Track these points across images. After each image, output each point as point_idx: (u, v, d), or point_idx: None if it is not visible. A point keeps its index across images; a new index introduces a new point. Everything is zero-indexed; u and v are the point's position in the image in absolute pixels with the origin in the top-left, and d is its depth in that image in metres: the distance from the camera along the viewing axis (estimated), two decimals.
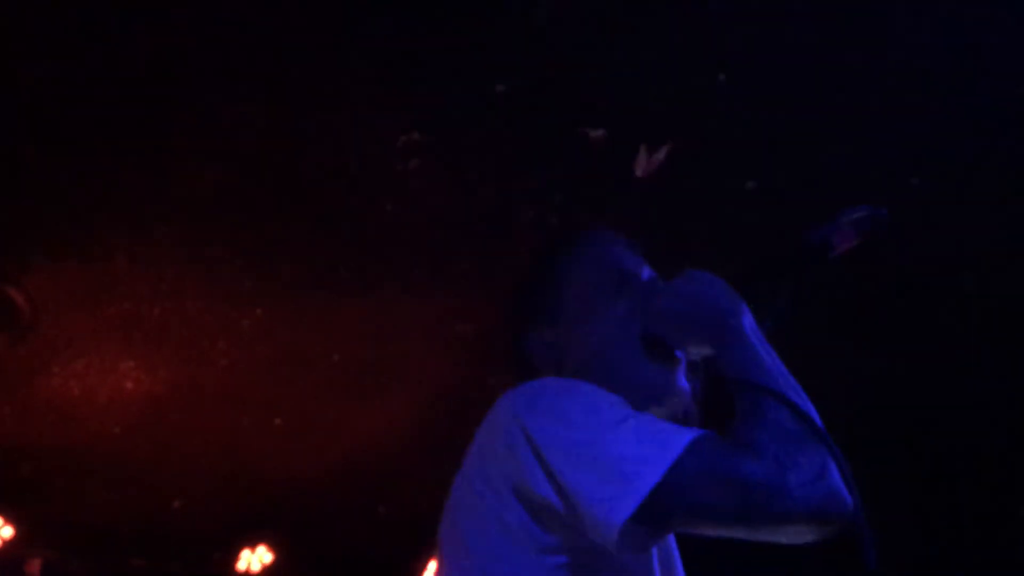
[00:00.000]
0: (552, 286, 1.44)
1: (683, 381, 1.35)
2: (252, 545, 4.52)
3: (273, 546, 4.55)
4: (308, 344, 3.44)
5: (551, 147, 2.70)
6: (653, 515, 1.10)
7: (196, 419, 3.64)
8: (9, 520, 4.12)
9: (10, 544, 4.16)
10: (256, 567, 4.56)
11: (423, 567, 4.92)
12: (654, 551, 1.25)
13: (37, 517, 4.12)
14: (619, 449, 1.12)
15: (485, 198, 2.85)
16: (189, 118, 2.67)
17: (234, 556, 4.51)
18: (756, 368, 1.22)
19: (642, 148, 2.54)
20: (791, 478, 1.08)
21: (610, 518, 1.09)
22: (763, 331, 1.29)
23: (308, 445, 3.91)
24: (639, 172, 2.49)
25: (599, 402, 1.20)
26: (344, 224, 3.03)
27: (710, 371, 1.35)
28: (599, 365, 1.34)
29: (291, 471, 4.04)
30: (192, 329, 3.35)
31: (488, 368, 3.54)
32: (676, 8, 2.40)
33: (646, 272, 1.44)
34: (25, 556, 4.30)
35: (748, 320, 1.27)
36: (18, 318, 3.14)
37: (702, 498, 1.10)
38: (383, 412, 3.71)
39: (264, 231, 3.03)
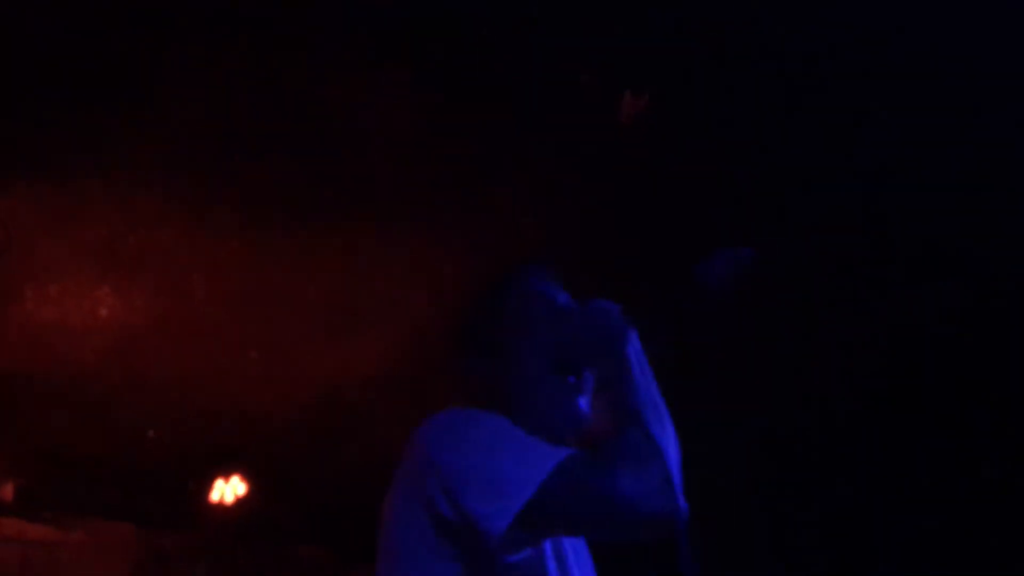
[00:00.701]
0: (488, 320, 1.69)
1: (583, 404, 1.61)
2: (226, 476, 4.54)
3: (247, 478, 4.57)
4: (285, 280, 3.41)
5: (535, 90, 2.66)
6: (527, 525, 1.37)
7: (170, 349, 3.62)
8: None
9: None
10: (229, 498, 4.59)
11: None
12: (547, 553, 1.48)
13: (9, 444, 4.12)
14: (501, 472, 1.40)
15: (467, 137, 2.81)
16: (168, 47, 2.62)
17: (207, 487, 4.53)
18: (630, 391, 1.51)
19: (627, 94, 2.52)
20: (637, 490, 1.37)
21: (491, 530, 1.36)
22: (648, 353, 1.57)
23: (283, 380, 3.90)
24: (623, 117, 2.47)
25: (490, 432, 1.47)
26: (325, 160, 2.99)
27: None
28: (520, 392, 1.61)
29: (265, 405, 4.04)
30: (168, 260, 3.31)
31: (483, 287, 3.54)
32: None
33: (563, 300, 1.69)
34: None
35: (634, 346, 1.56)
36: None
37: (566, 510, 1.39)
38: (359, 350, 3.70)
39: (243, 165, 2.99)
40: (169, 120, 2.77)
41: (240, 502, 4.56)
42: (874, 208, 3.19)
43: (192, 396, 3.95)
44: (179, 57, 2.62)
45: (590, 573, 1.64)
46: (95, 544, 4.57)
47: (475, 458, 1.43)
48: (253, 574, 5.00)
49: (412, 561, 1.47)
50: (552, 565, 1.49)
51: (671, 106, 2.67)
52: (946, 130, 2.88)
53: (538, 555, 1.46)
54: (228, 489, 4.57)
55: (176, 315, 3.44)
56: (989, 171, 3.05)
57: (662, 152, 2.85)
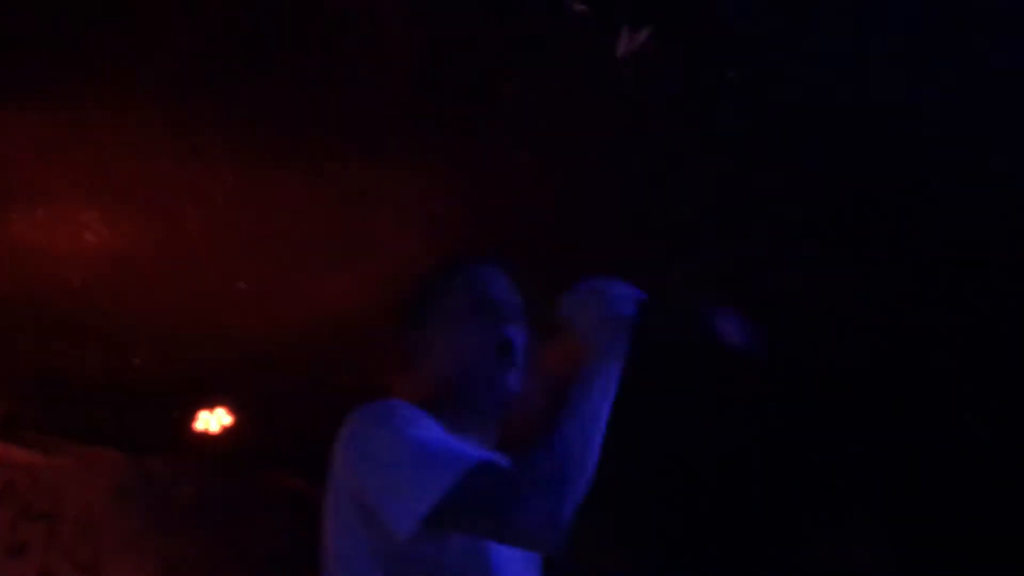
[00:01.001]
0: (432, 299, 1.78)
1: (513, 381, 1.70)
2: (211, 407, 4.55)
3: (233, 409, 4.59)
4: (278, 212, 3.38)
5: (532, 26, 2.61)
6: (431, 524, 1.44)
7: (158, 278, 3.60)
8: None
9: None
10: (215, 428, 4.61)
11: None
12: (458, 547, 1.53)
13: None
14: (410, 473, 1.47)
15: (466, 70, 2.77)
16: None
17: (193, 415, 4.55)
18: (579, 394, 1.53)
19: (624, 29, 2.49)
20: (530, 522, 1.43)
21: (398, 527, 1.46)
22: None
23: (272, 312, 3.90)
24: (619, 52, 2.44)
25: (407, 430, 1.53)
26: (320, 92, 2.94)
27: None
28: (452, 373, 1.71)
29: (254, 337, 4.04)
30: (159, 188, 3.27)
31: (458, 249, 3.52)
32: None
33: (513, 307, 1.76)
34: None
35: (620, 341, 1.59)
36: None
37: (464, 517, 1.46)
38: (349, 285, 3.69)
39: (238, 95, 2.93)
40: (164, 47, 2.71)
41: (227, 431, 4.58)
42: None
43: (179, 325, 3.94)
44: None
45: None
46: (80, 467, 4.60)
47: (390, 456, 1.51)
48: (238, 502, 5.04)
49: (343, 550, 1.60)
50: (461, 561, 1.54)
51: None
52: None
53: (452, 551, 1.53)
54: (214, 419, 4.59)
55: (165, 243, 3.41)
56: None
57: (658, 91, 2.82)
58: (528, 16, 2.58)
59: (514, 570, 1.62)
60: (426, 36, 2.67)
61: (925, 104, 2.83)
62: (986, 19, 2.53)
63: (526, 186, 3.24)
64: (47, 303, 3.68)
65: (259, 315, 3.91)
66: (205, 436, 4.58)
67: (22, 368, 4.17)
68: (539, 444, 1.48)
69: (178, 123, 2.99)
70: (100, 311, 3.75)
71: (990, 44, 2.62)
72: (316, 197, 3.25)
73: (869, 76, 2.74)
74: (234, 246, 3.47)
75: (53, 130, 3.02)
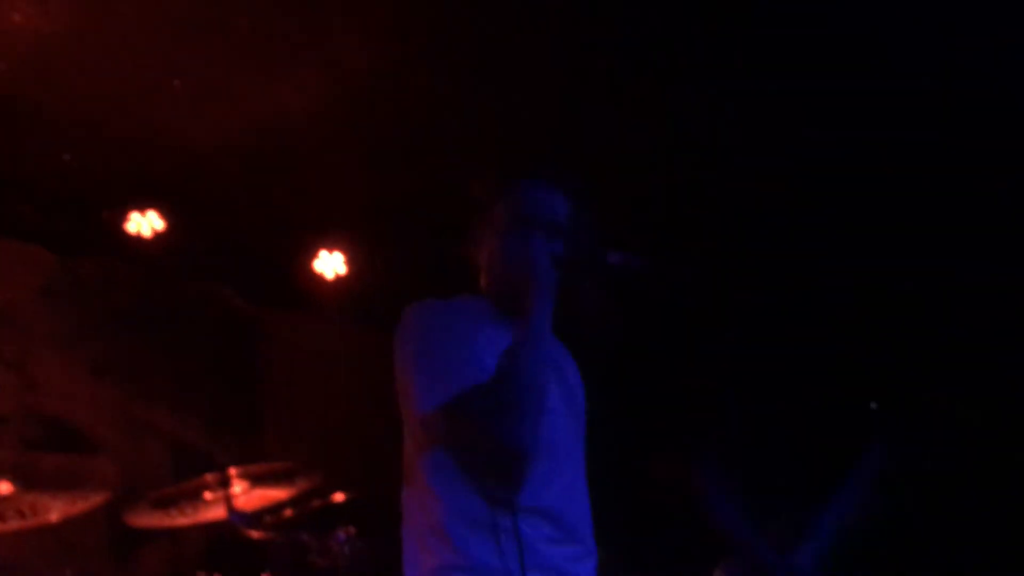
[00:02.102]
0: (481, 213, 2.22)
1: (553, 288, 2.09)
2: (142, 209, 4.47)
3: (165, 214, 4.51)
4: (219, 4, 3.24)
5: None
6: (433, 419, 1.97)
7: (89, 67, 3.45)
8: None
9: None
10: (147, 232, 4.54)
11: (313, 255, 4.98)
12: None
13: None
14: (424, 377, 1.98)
15: None
16: None
17: (124, 217, 4.47)
18: (523, 335, 1.99)
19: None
20: (504, 431, 1.90)
21: (414, 409, 2.00)
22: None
23: (208, 114, 3.78)
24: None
25: (433, 328, 2.04)
26: None
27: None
28: (501, 280, 2.14)
29: (188, 139, 3.93)
30: None
31: (408, 63, 3.44)
32: None
33: (559, 211, 2.13)
34: None
35: (543, 290, 2.03)
36: None
37: (451, 427, 1.96)
38: (291, 91, 3.59)
39: None
40: None
41: (159, 237, 4.52)
42: None
43: (111, 121, 3.81)
44: None
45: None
46: (5, 262, 4.51)
47: (416, 353, 2.00)
48: (169, 309, 5.03)
49: (407, 432, 2.10)
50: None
51: None
52: None
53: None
54: (145, 223, 4.52)
55: (97, 29, 3.25)
56: None
57: None
58: None
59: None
60: None
61: None
62: None
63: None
64: None
65: (195, 118, 3.80)
66: (137, 240, 4.51)
67: None
68: (501, 376, 1.92)
69: None
70: (27, 98, 3.61)
71: None
72: None
73: None
74: (172, 38, 3.32)
75: None
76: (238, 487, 3.25)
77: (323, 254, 4.95)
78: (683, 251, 3.91)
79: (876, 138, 3.68)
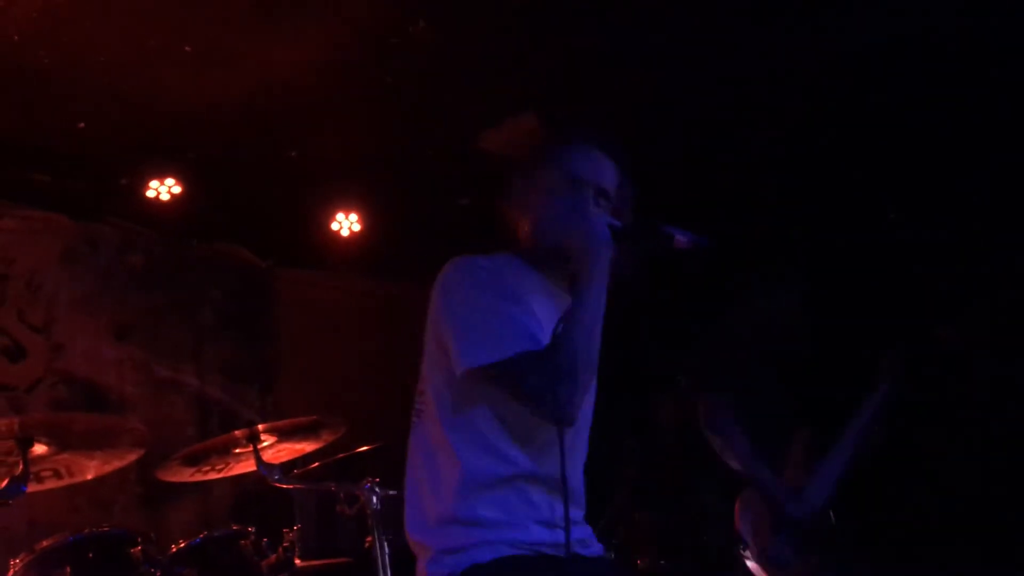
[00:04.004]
0: (529, 173, 2.17)
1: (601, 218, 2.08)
2: (161, 176, 4.53)
3: (182, 179, 4.58)
4: None
5: None
6: (477, 376, 1.96)
7: (101, 35, 3.48)
8: None
9: None
10: (166, 197, 4.61)
11: (331, 215, 5.05)
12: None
13: None
14: (471, 334, 1.97)
15: None
16: None
17: (142, 184, 4.53)
18: (580, 305, 1.96)
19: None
20: (548, 393, 1.89)
21: (456, 367, 1.98)
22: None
23: (219, 78, 3.82)
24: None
25: (481, 293, 2.00)
26: None
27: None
28: (545, 240, 2.09)
29: (201, 103, 3.98)
30: None
31: (413, 14, 3.46)
32: None
33: (609, 179, 2.13)
34: None
35: (604, 262, 1.98)
36: None
37: (500, 384, 1.97)
38: (301, 50, 3.62)
39: None
40: None
41: (176, 200, 4.59)
42: None
43: (124, 88, 3.85)
44: None
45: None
46: (27, 231, 4.59)
47: (461, 307, 2.01)
48: (187, 269, 5.11)
49: (432, 381, 2.11)
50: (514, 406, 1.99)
51: None
52: None
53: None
54: (164, 188, 4.58)
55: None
56: None
57: None
58: None
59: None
60: None
61: None
62: None
63: None
64: None
65: (206, 81, 3.84)
66: (155, 204, 4.58)
67: None
68: (555, 344, 1.92)
69: None
70: (41, 68, 3.65)
71: None
72: None
73: None
74: (179, 5, 3.35)
75: None
76: (266, 441, 3.34)
77: (338, 214, 5.01)
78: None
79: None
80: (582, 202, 2.09)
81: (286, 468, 3.39)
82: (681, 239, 2.02)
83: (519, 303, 2.01)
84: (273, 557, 3.44)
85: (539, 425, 1.98)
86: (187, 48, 3.60)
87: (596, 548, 2.16)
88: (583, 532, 2.14)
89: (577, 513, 2.12)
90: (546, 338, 1.96)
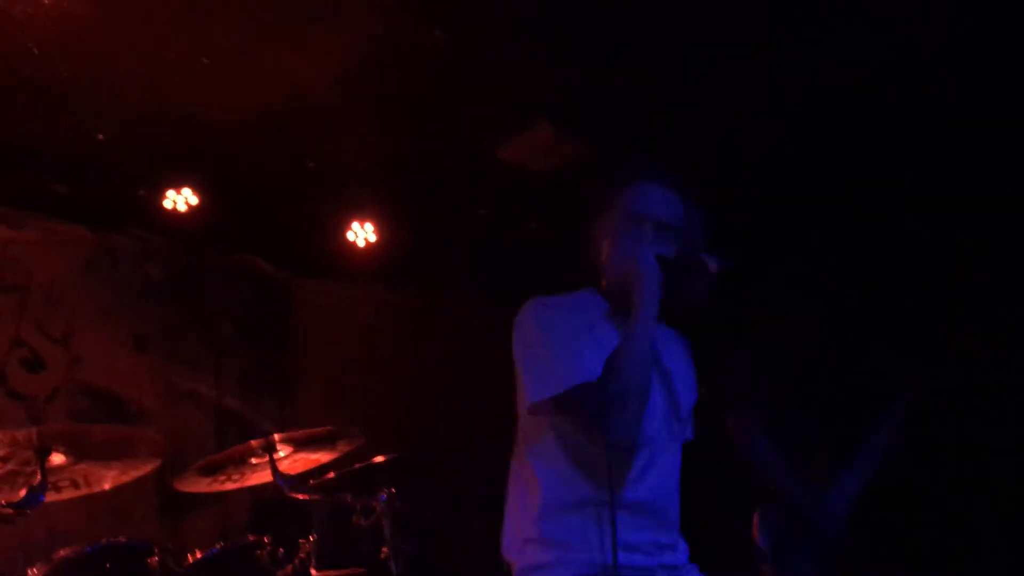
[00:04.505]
0: (595, 213, 2.32)
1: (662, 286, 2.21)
2: (177, 187, 4.55)
3: (199, 190, 4.59)
4: None
5: None
6: (544, 408, 2.14)
7: (119, 47, 3.50)
8: None
9: None
10: (183, 208, 4.63)
11: (347, 225, 5.05)
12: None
13: None
14: (538, 368, 2.13)
15: None
16: None
17: (159, 194, 4.55)
18: (629, 334, 2.09)
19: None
20: (606, 419, 2.01)
21: (526, 398, 2.16)
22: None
23: (237, 90, 3.83)
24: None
25: (546, 325, 2.17)
26: None
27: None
28: (614, 275, 2.25)
29: (218, 115, 3.99)
30: None
31: (428, 24, 3.46)
32: None
33: (669, 211, 2.25)
34: None
35: (650, 291, 2.11)
36: None
37: (564, 413, 2.14)
38: (317, 61, 3.62)
39: None
40: None
41: (193, 211, 4.61)
42: None
43: (142, 100, 3.87)
44: None
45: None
46: (47, 242, 4.62)
47: (530, 346, 2.16)
48: (205, 280, 5.13)
49: (517, 400, 2.24)
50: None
51: None
52: None
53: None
54: (181, 199, 4.60)
55: (124, 8, 3.30)
56: None
57: None
58: None
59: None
60: None
61: None
62: None
63: None
64: (7, 71, 3.60)
65: (224, 93, 3.85)
66: (172, 215, 4.60)
67: None
68: (608, 374, 2.04)
69: None
70: (60, 80, 3.67)
71: None
72: None
73: None
74: (195, 13, 3.37)
75: None
76: (282, 452, 3.35)
77: (354, 224, 5.02)
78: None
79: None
80: (639, 236, 2.21)
81: (302, 478, 3.39)
82: (713, 266, 2.12)
83: (584, 338, 2.15)
84: (289, 567, 3.44)
85: (608, 451, 2.07)
86: (205, 60, 3.61)
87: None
88: (674, 557, 2.23)
89: (666, 536, 2.21)
90: None
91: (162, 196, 4.55)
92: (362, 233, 5.05)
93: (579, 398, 2.06)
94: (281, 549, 3.46)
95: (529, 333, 2.19)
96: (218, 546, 3.35)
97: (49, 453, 2.92)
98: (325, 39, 3.49)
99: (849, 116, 3.95)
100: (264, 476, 3.40)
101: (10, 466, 2.92)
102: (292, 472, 3.40)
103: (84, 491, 3.22)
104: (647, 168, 2.31)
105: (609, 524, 2.10)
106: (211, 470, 3.37)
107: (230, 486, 3.51)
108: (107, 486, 3.24)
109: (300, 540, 3.61)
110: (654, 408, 2.19)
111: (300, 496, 3.30)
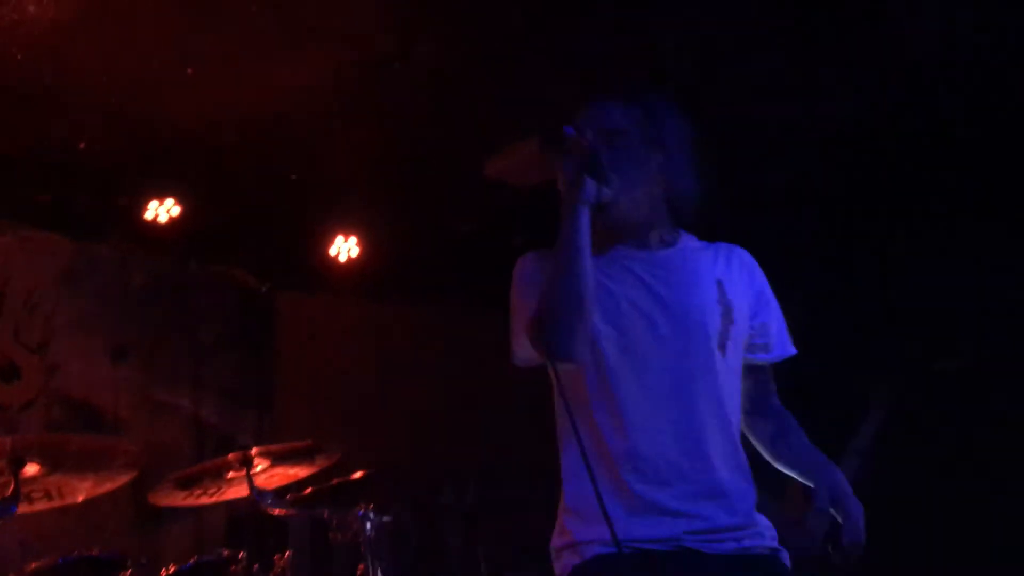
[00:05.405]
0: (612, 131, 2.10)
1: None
2: (160, 197, 4.53)
3: (182, 200, 4.57)
4: None
5: None
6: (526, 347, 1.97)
7: (104, 56, 3.49)
8: None
9: None
10: (164, 219, 4.60)
11: (330, 238, 5.04)
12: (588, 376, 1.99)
13: None
14: (517, 325, 2.01)
15: None
16: None
17: (141, 204, 4.52)
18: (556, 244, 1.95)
19: None
20: (546, 335, 1.89)
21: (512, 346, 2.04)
22: None
23: (221, 101, 3.83)
24: None
25: (521, 290, 2.04)
26: None
27: None
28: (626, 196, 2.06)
29: (203, 125, 3.98)
30: None
31: (414, 39, 3.47)
32: None
33: (614, 121, 2.09)
34: None
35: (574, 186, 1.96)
36: None
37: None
38: (302, 73, 3.62)
39: None
40: None
41: (175, 221, 4.58)
42: None
43: (126, 109, 3.86)
44: None
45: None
46: (26, 250, 4.58)
47: (515, 295, 2.04)
48: (186, 289, 5.10)
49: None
50: (592, 379, 1.97)
51: None
52: None
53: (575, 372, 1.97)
54: (162, 210, 4.58)
55: (110, 17, 3.30)
56: None
57: None
58: None
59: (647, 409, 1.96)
60: None
61: None
62: None
63: None
64: None
65: (207, 102, 3.84)
66: (154, 225, 4.58)
67: None
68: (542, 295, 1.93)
69: None
70: (43, 87, 3.66)
71: None
72: None
73: None
74: (181, 23, 3.37)
75: None
76: (259, 466, 3.32)
77: (337, 237, 5.01)
78: None
79: None
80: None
81: (279, 493, 3.36)
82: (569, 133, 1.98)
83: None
84: None
85: (619, 396, 1.94)
86: (189, 71, 3.61)
87: (733, 544, 1.95)
88: (708, 522, 1.93)
89: (685, 489, 1.93)
90: None
91: (144, 206, 4.53)
92: (345, 247, 5.04)
93: (531, 333, 1.92)
94: (256, 564, 3.43)
95: (513, 292, 2.06)
96: (192, 560, 3.31)
97: (23, 464, 2.88)
98: (311, 52, 3.50)
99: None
100: (241, 490, 3.37)
101: None
102: (269, 487, 3.37)
103: (58, 503, 3.18)
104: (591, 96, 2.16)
105: (638, 489, 1.90)
106: (187, 483, 3.34)
107: (206, 500, 3.48)
108: (81, 498, 3.21)
109: (275, 556, 3.57)
110: (650, 350, 1.97)
111: (277, 511, 3.27)
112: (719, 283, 2.09)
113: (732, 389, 2.06)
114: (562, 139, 1.98)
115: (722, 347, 2.04)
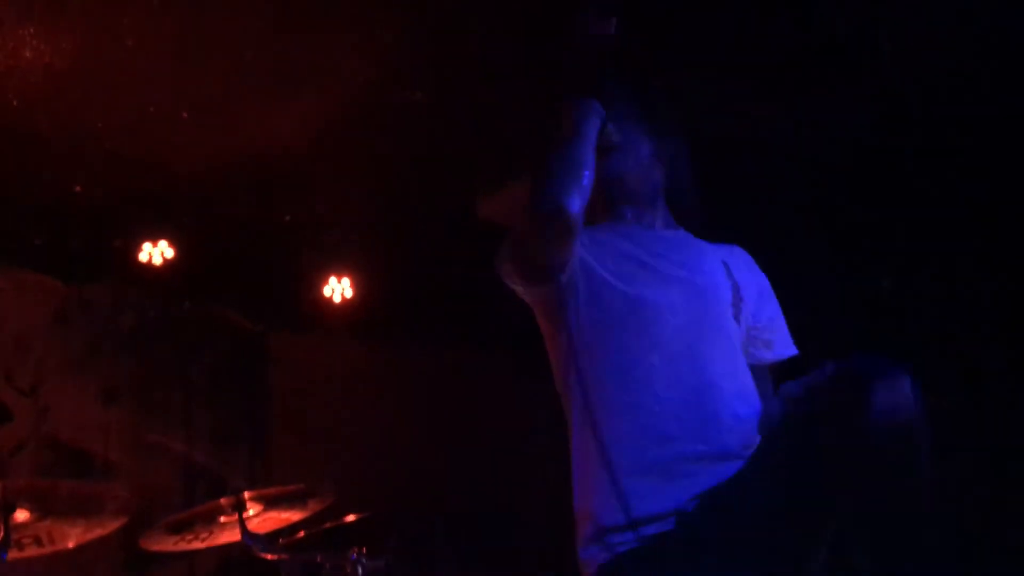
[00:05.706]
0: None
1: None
2: (154, 239, 4.53)
3: (175, 242, 4.57)
4: (222, 34, 3.30)
5: None
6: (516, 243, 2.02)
7: (99, 99, 3.52)
8: None
9: None
10: (158, 261, 4.60)
11: (324, 279, 5.04)
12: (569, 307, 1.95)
13: None
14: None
15: None
16: None
17: (134, 246, 4.53)
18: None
19: None
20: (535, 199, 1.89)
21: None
22: None
23: (215, 144, 3.85)
24: None
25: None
26: None
27: None
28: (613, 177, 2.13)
29: (198, 169, 4.00)
30: (99, 4, 3.17)
31: (407, 80, 3.50)
32: None
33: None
34: None
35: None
36: None
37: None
38: (296, 116, 3.65)
39: None
40: None
41: (169, 263, 4.58)
42: None
43: (121, 153, 3.88)
44: None
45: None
46: (18, 292, 4.58)
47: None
48: (179, 331, 5.09)
49: None
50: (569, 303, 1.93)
51: None
52: None
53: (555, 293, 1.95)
54: (156, 252, 4.58)
55: (104, 61, 3.32)
56: None
57: None
58: None
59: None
60: None
61: None
62: None
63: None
64: None
65: (202, 146, 3.86)
66: (147, 267, 4.58)
67: None
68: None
69: None
70: (38, 133, 3.67)
71: None
72: (260, 20, 3.17)
73: None
74: (176, 69, 3.39)
75: None
76: (252, 510, 3.29)
77: (331, 278, 5.01)
78: None
79: None
80: None
81: (272, 538, 3.33)
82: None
83: None
84: None
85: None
86: (184, 114, 3.63)
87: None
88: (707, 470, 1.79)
89: (697, 448, 1.79)
90: None
91: (138, 248, 4.53)
92: (339, 287, 5.03)
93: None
94: None
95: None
96: None
97: (13, 509, 2.85)
98: (306, 95, 3.52)
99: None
100: (233, 535, 3.34)
101: None
102: (262, 531, 3.34)
103: (48, 549, 3.14)
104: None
105: (648, 455, 1.80)
106: (179, 528, 3.30)
107: (198, 545, 3.44)
108: (71, 544, 3.17)
109: None
110: (665, 305, 1.90)
111: (269, 556, 3.23)
112: (725, 264, 2.06)
113: (743, 361, 1.99)
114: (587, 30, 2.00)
115: (736, 317, 1.99)
